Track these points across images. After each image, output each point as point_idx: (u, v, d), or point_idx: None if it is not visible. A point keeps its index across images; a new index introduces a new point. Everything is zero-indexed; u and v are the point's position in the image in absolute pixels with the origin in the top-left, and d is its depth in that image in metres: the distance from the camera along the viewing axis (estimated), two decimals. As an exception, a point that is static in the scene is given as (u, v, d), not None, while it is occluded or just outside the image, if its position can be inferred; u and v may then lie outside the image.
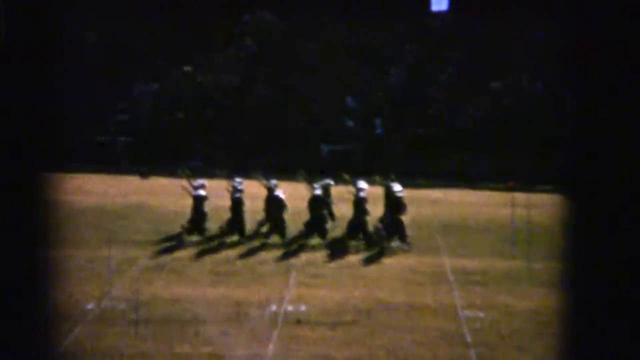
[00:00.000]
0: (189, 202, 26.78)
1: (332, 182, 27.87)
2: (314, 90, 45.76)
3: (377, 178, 27.50)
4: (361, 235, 25.11)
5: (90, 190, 32.68)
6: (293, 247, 24.77)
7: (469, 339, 16.94)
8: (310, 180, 27.51)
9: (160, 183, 37.37)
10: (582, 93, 5.42)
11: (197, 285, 20.48)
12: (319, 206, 25.68)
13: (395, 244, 24.71)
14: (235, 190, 26.32)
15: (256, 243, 25.04)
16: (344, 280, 21.28)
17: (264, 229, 25.93)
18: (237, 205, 25.82)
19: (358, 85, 45.80)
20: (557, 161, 37.77)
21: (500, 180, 33.33)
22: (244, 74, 47.47)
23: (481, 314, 18.50)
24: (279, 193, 25.95)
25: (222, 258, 23.30)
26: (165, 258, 23.16)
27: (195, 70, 47.91)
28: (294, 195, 27.70)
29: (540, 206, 28.80)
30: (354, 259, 23.63)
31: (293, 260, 23.22)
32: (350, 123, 44.26)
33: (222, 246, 24.75)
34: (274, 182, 26.82)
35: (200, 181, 27.01)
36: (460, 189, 35.72)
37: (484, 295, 20.01)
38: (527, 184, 35.38)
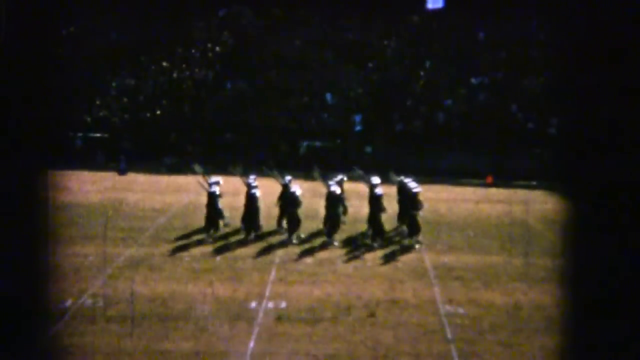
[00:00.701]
0: (168, 198, 26.61)
1: (345, 178, 27.62)
2: (292, 85, 45.66)
3: (392, 174, 27.47)
4: (369, 232, 25.03)
5: (66, 187, 32.42)
6: (273, 243, 24.68)
7: (449, 334, 16.92)
8: (324, 177, 27.23)
9: (138, 179, 37.16)
10: (573, 89, 5.37)
11: (176, 281, 20.33)
12: (336, 203, 25.36)
13: (408, 240, 24.76)
14: (250, 187, 25.98)
15: (262, 242, 24.91)
16: (325, 276, 21.21)
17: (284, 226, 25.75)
18: (252, 201, 25.49)
19: (337, 81, 45.75)
20: (544, 158, 37.98)
21: (479, 176, 33.39)
22: (221, 70, 47.30)
23: (461, 310, 18.50)
24: (295, 189, 25.67)
25: (201, 254, 23.16)
26: (144, 255, 22.98)
27: (172, 65, 47.67)
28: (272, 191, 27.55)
29: (519, 202, 28.92)
30: (333, 254, 23.57)
31: (272, 257, 23.12)
32: (329, 119, 44.17)
33: (201, 243, 24.61)
34: (288, 178, 26.61)
35: (215, 178, 26.66)
36: (438, 185, 35.76)
37: (465, 291, 20.02)
38: (505, 180, 35.49)
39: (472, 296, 19.57)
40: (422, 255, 23.67)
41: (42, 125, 6.07)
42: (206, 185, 26.50)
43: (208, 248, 23.95)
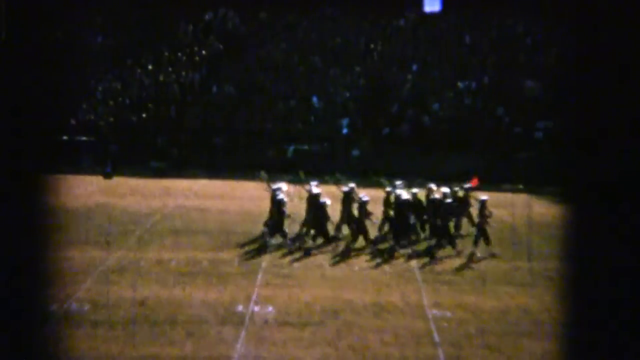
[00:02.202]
0: (154, 202, 26.49)
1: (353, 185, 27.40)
2: (279, 89, 45.61)
3: (384, 180, 27.41)
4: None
5: (51, 191, 32.16)
6: (258, 247, 24.61)
7: (437, 338, 16.91)
8: (341, 182, 27.12)
9: (124, 183, 37.02)
10: (563, 92, 5.35)
11: (162, 286, 20.23)
12: (360, 210, 25.24)
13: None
14: (313, 193, 25.77)
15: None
16: (312, 280, 21.16)
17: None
18: (319, 208, 25.24)
19: (324, 85, 45.72)
20: (530, 161, 38.05)
21: (464, 179, 33.32)
22: (207, 73, 47.19)
23: (449, 314, 18.49)
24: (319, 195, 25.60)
25: (187, 258, 23.06)
26: (130, 259, 22.86)
27: (158, 68, 47.54)
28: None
29: (506, 206, 28.94)
30: (320, 259, 23.52)
31: (259, 260, 23.04)
32: (316, 123, 44.14)
33: (188, 247, 24.51)
34: (314, 184, 26.48)
35: (278, 184, 26.37)
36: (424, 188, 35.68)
37: (452, 295, 20.02)
38: (490, 183, 35.48)
39: (460, 300, 19.56)
40: (410, 260, 23.64)
41: (30, 128, 6.00)
42: (270, 192, 26.14)
43: (194, 252, 23.84)
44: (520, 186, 28.68)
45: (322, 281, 21.11)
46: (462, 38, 47.73)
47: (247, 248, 24.49)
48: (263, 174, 27.43)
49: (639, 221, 5.18)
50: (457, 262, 23.43)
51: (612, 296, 5.19)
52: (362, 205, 24.94)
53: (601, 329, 5.26)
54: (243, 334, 16.88)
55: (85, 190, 34.17)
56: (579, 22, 5.32)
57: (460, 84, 45.00)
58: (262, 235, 25.45)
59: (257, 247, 24.57)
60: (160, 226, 27.50)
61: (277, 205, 25.11)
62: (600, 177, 5.17)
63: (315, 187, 26.02)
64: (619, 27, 5.17)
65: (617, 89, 5.26)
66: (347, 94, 45.04)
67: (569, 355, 5.36)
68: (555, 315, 18.64)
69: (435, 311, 18.66)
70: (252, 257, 23.43)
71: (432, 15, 48.81)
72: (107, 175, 38.65)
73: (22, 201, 6.11)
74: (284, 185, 26.53)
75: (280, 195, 25.39)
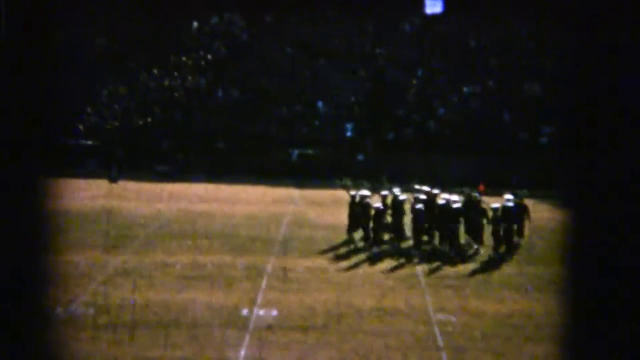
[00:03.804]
0: (159, 206, 26.52)
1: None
2: (284, 93, 45.66)
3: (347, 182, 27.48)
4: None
5: (57, 194, 32.24)
6: (262, 250, 24.64)
7: (440, 342, 16.91)
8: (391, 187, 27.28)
9: (129, 187, 37.08)
10: (568, 95, 5.37)
11: (167, 289, 20.26)
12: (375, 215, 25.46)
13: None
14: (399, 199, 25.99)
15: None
16: (316, 284, 21.18)
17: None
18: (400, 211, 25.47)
19: (329, 89, 45.76)
20: (535, 167, 38.02)
21: (470, 183, 33.31)
22: (213, 77, 47.25)
23: (453, 318, 18.49)
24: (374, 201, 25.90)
25: (192, 262, 23.10)
26: (135, 262, 22.91)
27: (163, 73, 47.61)
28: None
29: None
30: (324, 263, 23.54)
31: (264, 265, 23.06)
32: (321, 127, 44.17)
33: (193, 250, 24.54)
34: (396, 190, 26.73)
35: (363, 192, 26.47)
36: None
37: (456, 299, 20.01)
38: (497, 188, 35.42)
39: (464, 304, 19.56)
40: (414, 264, 23.65)
41: (36, 131, 6.04)
42: (350, 197, 26.33)
43: (199, 256, 23.87)
44: (525, 191, 28.62)
45: (327, 285, 21.12)
46: (467, 42, 47.73)
47: (253, 253, 24.51)
48: (346, 180, 27.62)
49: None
50: (461, 266, 23.43)
51: (614, 298, 5.20)
52: (377, 211, 25.24)
53: (602, 331, 5.28)
54: (247, 337, 16.90)
55: (90, 194, 34.25)
56: (581, 23, 5.34)
57: (465, 89, 45.00)
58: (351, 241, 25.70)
59: (262, 251, 24.59)
60: (165, 230, 27.55)
61: (363, 210, 25.37)
62: (604, 179, 5.20)
63: (401, 194, 26.21)
64: (621, 28, 5.19)
65: (620, 90, 5.28)
66: (352, 99, 45.07)
67: (570, 357, 5.37)
68: (558, 319, 18.64)
69: (439, 315, 18.66)
70: (257, 261, 23.43)
71: (437, 19, 48.75)
72: (112, 179, 38.73)
73: (28, 205, 6.15)
74: (367, 192, 26.62)
75: (367, 200, 25.70)
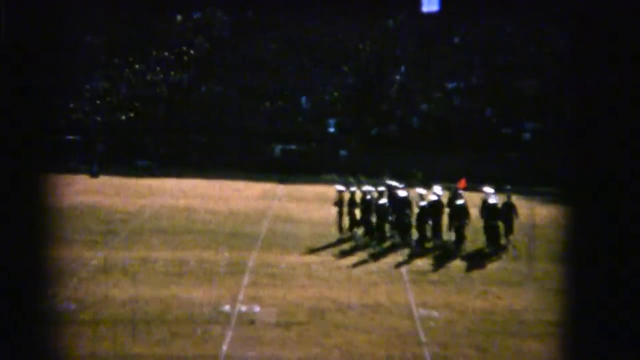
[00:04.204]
0: (141, 201, 26.31)
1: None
2: (267, 89, 45.55)
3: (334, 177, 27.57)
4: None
5: (39, 190, 31.99)
6: (245, 245, 24.55)
7: (423, 338, 16.88)
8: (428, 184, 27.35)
9: (110, 182, 36.88)
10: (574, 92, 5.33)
11: (148, 285, 20.13)
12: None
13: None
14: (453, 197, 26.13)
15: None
16: (299, 280, 21.11)
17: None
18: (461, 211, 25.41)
19: (312, 85, 45.69)
20: (518, 162, 38.10)
21: (452, 179, 33.34)
22: (195, 73, 47.07)
23: (436, 313, 18.47)
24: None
25: (174, 258, 22.96)
26: (117, 258, 22.76)
27: (146, 68, 47.38)
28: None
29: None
30: (307, 259, 23.47)
31: (246, 261, 22.96)
32: (304, 122, 44.11)
33: (175, 246, 24.41)
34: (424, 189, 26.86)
35: (367, 188, 26.56)
36: (412, 188, 35.70)
37: (439, 295, 20.00)
38: (479, 184, 35.45)
39: (447, 300, 19.54)
40: (397, 259, 23.63)
41: (17, 128, 5.95)
42: (350, 193, 26.49)
43: (181, 252, 23.74)
44: (508, 187, 28.63)
45: (309, 281, 21.06)
46: (451, 38, 47.76)
47: (236, 248, 24.42)
48: (334, 176, 27.69)
49: (633, 219, 5.16)
50: (445, 262, 23.42)
51: (607, 295, 5.17)
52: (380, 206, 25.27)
53: (598, 329, 5.24)
54: (229, 333, 16.82)
55: (71, 190, 34.03)
56: (571, 20, 5.30)
57: (448, 85, 45.04)
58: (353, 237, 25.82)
59: (245, 247, 24.50)
60: (146, 226, 27.39)
61: (365, 206, 25.48)
62: (595, 175, 5.15)
63: (437, 191, 26.27)
64: (614, 26, 5.15)
65: (613, 87, 5.24)
66: (335, 94, 45.01)
67: (568, 355, 5.33)
68: (542, 315, 18.68)
69: (422, 311, 18.63)
70: (240, 257, 23.33)
71: (421, 15, 48.76)
72: (93, 175, 38.49)
73: (7, 201, 6.05)
74: (371, 188, 26.64)
75: (368, 197, 25.77)
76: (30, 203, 6.24)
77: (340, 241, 25.64)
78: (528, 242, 24.93)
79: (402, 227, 25.50)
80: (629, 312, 5.13)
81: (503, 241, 25.13)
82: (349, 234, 26.05)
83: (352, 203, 26.29)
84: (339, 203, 26.41)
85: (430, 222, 25.40)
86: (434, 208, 25.59)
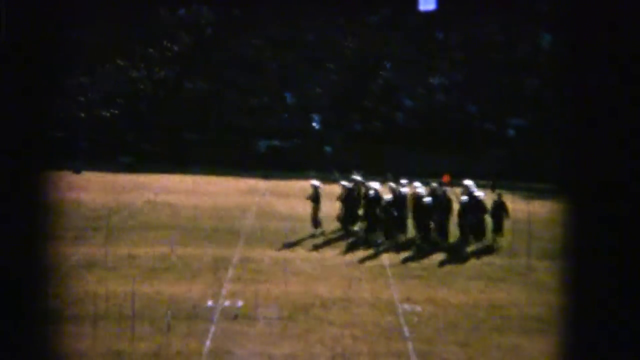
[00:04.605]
0: (123, 197, 26.18)
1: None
2: (252, 85, 45.47)
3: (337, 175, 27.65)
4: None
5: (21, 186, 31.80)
6: (228, 241, 24.50)
7: (406, 333, 16.89)
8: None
9: (93, 178, 36.71)
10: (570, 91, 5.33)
11: (131, 281, 20.03)
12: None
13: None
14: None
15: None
16: (282, 275, 21.08)
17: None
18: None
19: (297, 81, 45.65)
20: (502, 158, 38.23)
21: (436, 174, 33.43)
22: (179, 69, 46.92)
23: (419, 308, 18.48)
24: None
25: (156, 254, 22.89)
26: (99, 254, 22.65)
27: (129, 64, 47.19)
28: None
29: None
30: (290, 254, 23.46)
31: (230, 256, 22.92)
32: (289, 118, 44.06)
33: (158, 242, 24.34)
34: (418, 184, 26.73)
35: (372, 184, 26.45)
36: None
37: (422, 290, 20.01)
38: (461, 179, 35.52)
39: (430, 295, 19.56)
40: (380, 254, 23.65)
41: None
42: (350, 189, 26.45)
43: (164, 248, 23.66)
44: (490, 182, 28.75)
45: (292, 276, 21.03)
46: (435, 35, 47.81)
47: (217, 243, 24.37)
48: (336, 173, 27.68)
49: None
50: (428, 257, 23.46)
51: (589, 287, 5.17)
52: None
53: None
54: (212, 329, 16.77)
55: (54, 186, 33.82)
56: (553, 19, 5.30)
57: (432, 81, 45.10)
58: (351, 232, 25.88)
59: (228, 242, 24.45)
60: (129, 222, 27.30)
61: (369, 202, 25.58)
62: (595, 174, 5.15)
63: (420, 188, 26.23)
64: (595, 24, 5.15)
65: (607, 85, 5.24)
66: (320, 91, 44.98)
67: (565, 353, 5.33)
68: (525, 310, 18.74)
69: (405, 306, 18.65)
70: (223, 253, 23.28)
71: (405, 12, 48.74)
72: (76, 170, 38.30)
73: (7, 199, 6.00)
74: (376, 184, 26.62)
75: (372, 192, 25.76)
76: (10, 200, 6.18)
77: (323, 237, 25.65)
78: (511, 237, 25.00)
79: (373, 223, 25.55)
80: (619, 306, 5.14)
81: (489, 238, 25.11)
82: (355, 229, 26.05)
83: (348, 198, 26.17)
84: (314, 198, 26.24)
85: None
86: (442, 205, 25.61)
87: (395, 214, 25.35)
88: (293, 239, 25.23)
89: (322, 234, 25.86)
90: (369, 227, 25.70)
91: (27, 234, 6.04)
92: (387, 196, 25.77)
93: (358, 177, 27.60)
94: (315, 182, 26.87)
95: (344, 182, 27.07)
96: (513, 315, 18.30)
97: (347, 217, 26.26)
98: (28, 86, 5.72)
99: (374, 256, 23.50)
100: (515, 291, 20.23)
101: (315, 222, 26.21)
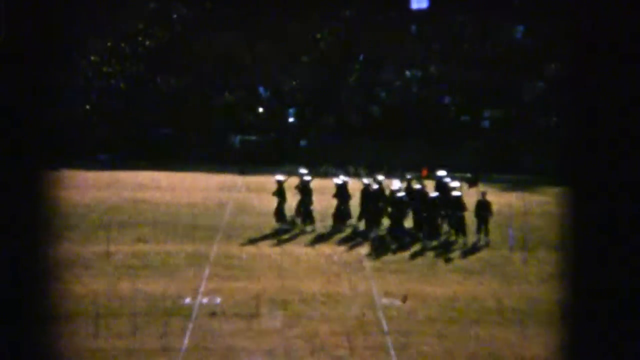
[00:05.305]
0: (99, 194, 25.98)
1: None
2: (226, 80, 45.30)
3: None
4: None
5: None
6: (205, 238, 24.40)
7: (385, 326, 16.92)
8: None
9: (70, 176, 36.42)
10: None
11: (108, 279, 19.93)
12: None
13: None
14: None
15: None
16: (260, 271, 21.04)
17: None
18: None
19: (271, 76, 45.53)
20: (478, 150, 38.34)
21: (414, 168, 33.50)
22: (152, 64, 46.62)
23: (398, 302, 18.52)
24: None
25: (133, 251, 22.76)
26: (75, 252, 22.49)
27: (101, 59, 46.79)
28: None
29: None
30: (268, 250, 23.41)
31: (207, 252, 22.82)
32: (263, 113, 43.96)
33: (135, 240, 24.19)
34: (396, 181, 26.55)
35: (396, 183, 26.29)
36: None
37: (401, 284, 20.05)
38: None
39: (409, 288, 19.60)
40: (359, 249, 23.65)
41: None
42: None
43: (141, 245, 23.53)
44: (468, 175, 28.84)
45: (270, 272, 21.00)
46: (409, 28, 47.81)
47: (196, 239, 24.28)
48: (328, 167, 27.54)
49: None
50: (406, 250, 23.49)
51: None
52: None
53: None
54: (190, 326, 16.71)
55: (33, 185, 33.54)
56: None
57: (407, 73, 45.15)
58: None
59: (204, 239, 24.35)
60: (106, 219, 27.07)
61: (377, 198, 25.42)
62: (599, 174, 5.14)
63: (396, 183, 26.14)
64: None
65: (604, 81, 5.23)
66: (294, 84, 44.91)
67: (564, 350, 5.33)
68: (502, 302, 18.83)
69: (384, 300, 18.68)
70: (200, 249, 23.19)
71: (378, 5, 48.66)
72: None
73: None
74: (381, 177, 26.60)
75: (375, 186, 25.73)
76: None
77: (302, 231, 25.60)
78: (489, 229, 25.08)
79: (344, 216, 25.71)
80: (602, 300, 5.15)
81: (473, 236, 24.88)
82: (350, 223, 25.99)
83: (342, 193, 26.11)
84: (279, 193, 26.05)
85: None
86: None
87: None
88: (270, 234, 25.17)
89: (313, 230, 25.69)
90: (395, 224, 25.34)
91: (4, 234, 5.94)
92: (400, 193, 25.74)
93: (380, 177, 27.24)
94: (280, 177, 26.57)
95: (342, 177, 27.01)
96: (490, 307, 18.39)
97: (368, 216, 25.78)
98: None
99: (353, 251, 23.49)
100: (492, 283, 20.33)
101: (280, 216, 25.90)
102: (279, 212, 25.98)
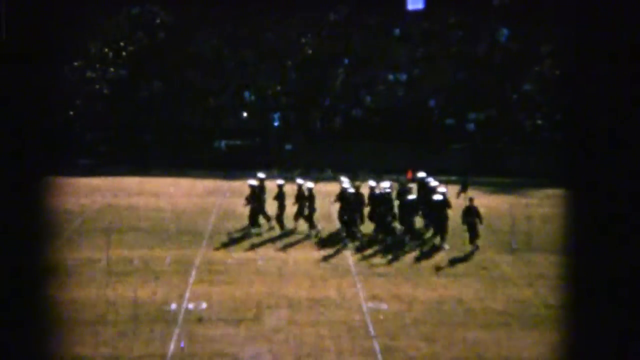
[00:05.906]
0: (81, 200, 25.82)
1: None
2: (210, 84, 45.17)
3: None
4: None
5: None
6: (191, 243, 24.29)
7: (372, 330, 16.88)
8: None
9: (51, 182, 36.18)
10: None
11: (92, 286, 19.79)
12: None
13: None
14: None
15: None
16: (246, 276, 20.95)
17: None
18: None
19: (255, 80, 45.44)
20: (463, 153, 38.39)
21: (400, 171, 33.48)
22: (135, 69, 46.42)
23: (384, 306, 18.49)
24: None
25: (118, 258, 22.61)
26: (59, 259, 22.28)
27: (85, 64, 46.56)
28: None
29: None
30: (254, 255, 23.32)
31: (193, 258, 22.70)
32: (248, 117, 43.85)
33: (119, 245, 24.04)
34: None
35: (385, 184, 26.25)
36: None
37: (388, 287, 20.01)
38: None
39: (395, 292, 19.58)
40: (345, 253, 23.60)
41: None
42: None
43: (125, 251, 23.38)
44: (453, 178, 28.83)
45: (257, 277, 20.91)
46: (392, 31, 47.84)
47: (180, 244, 24.16)
48: (330, 171, 27.42)
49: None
50: (392, 254, 23.46)
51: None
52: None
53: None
54: (176, 331, 16.62)
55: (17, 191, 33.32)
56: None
57: (391, 76, 45.15)
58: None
59: (189, 243, 24.24)
60: (89, 225, 26.93)
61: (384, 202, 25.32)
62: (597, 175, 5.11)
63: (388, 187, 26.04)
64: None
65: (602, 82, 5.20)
66: (279, 88, 44.84)
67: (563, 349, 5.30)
68: (489, 304, 18.82)
69: (370, 304, 18.64)
70: (186, 254, 23.07)
71: (363, 8, 48.67)
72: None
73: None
74: (387, 183, 26.48)
75: (377, 191, 25.68)
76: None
77: (287, 236, 25.53)
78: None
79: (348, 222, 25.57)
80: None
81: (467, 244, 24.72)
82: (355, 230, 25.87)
83: (344, 197, 25.99)
84: (251, 198, 25.87)
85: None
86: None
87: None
88: (256, 239, 25.10)
89: (317, 234, 25.58)
90: (408, 229, 25.33)
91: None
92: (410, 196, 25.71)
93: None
94: (253, 182, 26.35)
95: (343, 179, 26.94)
96: (477, 310, 18.39)
97: (380, 220, 25.61)
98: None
99: (339, 255, 23.43)
100: (479, 286, 20.32)
101: (253, 221, 25.74)
102: (252, 217, 25.78)
